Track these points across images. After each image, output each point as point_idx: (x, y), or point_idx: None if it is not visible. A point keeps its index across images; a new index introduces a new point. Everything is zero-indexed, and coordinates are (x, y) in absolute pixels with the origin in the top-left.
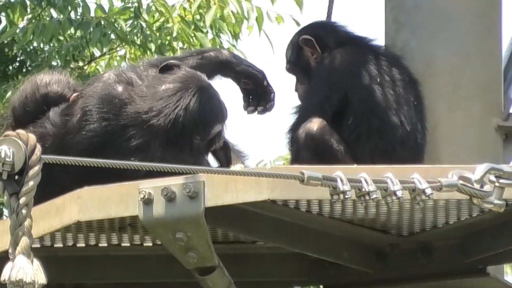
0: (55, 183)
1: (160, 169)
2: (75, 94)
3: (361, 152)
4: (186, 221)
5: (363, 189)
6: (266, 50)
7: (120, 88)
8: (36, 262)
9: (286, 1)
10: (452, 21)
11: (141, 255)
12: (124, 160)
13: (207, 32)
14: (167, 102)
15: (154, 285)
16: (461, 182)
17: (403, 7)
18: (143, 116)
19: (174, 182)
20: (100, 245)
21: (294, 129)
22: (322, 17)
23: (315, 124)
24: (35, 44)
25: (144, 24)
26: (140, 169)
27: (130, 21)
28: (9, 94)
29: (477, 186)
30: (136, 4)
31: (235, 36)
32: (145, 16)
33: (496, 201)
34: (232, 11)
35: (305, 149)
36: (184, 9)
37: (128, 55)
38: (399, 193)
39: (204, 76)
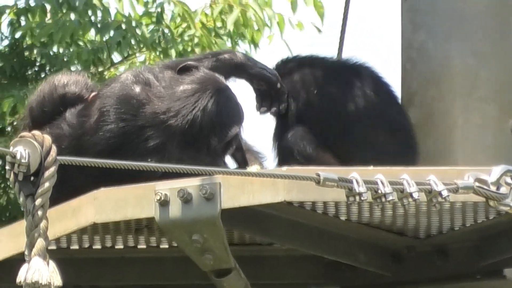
0: (71, 184)
1: (176, 170)
2: (93, 94)
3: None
4: (203, 223)
5: (379, 191)
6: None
7: (137, 89)
8: (52, 264)
9: (307, 10)
10: (468, 22)
11: (158, 257)
12: (141, 161)
13: (228, 34)
14: (185, 103)
15: (171, 287)
16: (477, 184)
17: (420, 8)
18: (160, 117)
19: (190, 184)
20: (116, 247)
21: (279, 137)
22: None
23: (297, 131)
24: (55, 49)
25: (166, 30)
26: (156, 170)
27: (151, 26)
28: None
29: (493, 188)
30: (158, 10)
31: (255, 43)
32: (167, 21)
33: None
34: (255, 16)
35: (290, 157)
36: (206, 15)
37: (147, 61)
38: (415, 195)
39: (222, 78)
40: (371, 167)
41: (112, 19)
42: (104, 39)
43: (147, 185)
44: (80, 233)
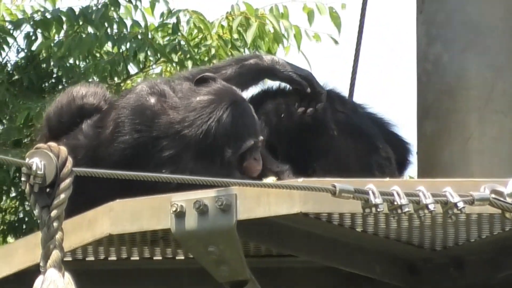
0: (87, 195)
1: (192, 181)
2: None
3: None
4: (219, 234)
5: (395, 202)
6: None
7: (152, 100)
8: (67, 275)
9: (324, 21)
10: (484, 35)
11: (173, 269)
12: (156, 172)
13: (245, 45)
14: (200, 114)
15: None
16: (493, 196)
17: (435, 21)
18: (175, 127)
19: (206, 195)
20: (132, 258)
21: None
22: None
23: None
24: (71, 60)
25: (182, 41)
26: (171, 181)
27: (168, 37)
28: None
29: (509, 200)
30: (174, 20)
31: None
32: (183, 31)
33: None
34: (273, 28)
35: None
36: (222, 27)
37: (163, 74)
38: (431, 207)
39: (239, 91)
40: (387, 179)
41: (129, 30)
42: (121, 50)
43: (163, 197)
44: (96, 245)
